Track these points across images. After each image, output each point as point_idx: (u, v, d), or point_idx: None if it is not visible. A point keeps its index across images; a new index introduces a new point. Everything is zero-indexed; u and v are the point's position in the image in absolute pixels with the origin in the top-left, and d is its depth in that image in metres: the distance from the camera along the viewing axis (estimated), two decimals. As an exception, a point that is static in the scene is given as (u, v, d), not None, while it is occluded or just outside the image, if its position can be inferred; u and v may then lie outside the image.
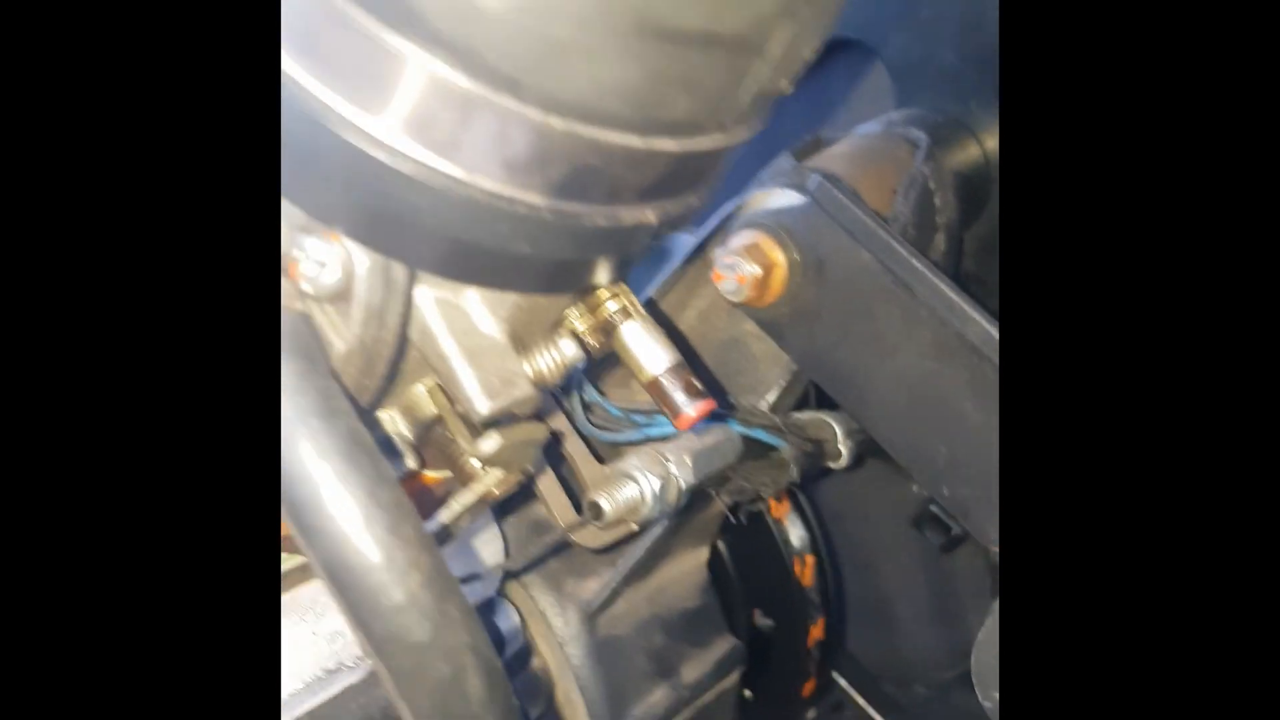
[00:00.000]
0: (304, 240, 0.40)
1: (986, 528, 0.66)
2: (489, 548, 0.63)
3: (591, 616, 0.71)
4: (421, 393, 0.48)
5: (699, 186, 0.41)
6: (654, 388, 0.50)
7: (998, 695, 0.61)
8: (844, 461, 0.76)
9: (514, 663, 0.68)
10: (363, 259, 0.40)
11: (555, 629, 0.70)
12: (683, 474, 0.62)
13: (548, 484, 0.62)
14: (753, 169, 0.75)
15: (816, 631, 0.84)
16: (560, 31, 0.31)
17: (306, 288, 0.40)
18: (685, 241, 0.74)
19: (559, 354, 0.46)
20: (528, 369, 0.45)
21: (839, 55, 0.87)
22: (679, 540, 0.74)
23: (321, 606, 0.62)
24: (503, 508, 0.72)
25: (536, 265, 0.39)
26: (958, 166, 0.78)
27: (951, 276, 0.80)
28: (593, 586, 0.72)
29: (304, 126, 0.35)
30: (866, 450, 0.77)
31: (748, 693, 0.85)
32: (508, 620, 0.68)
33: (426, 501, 0.49)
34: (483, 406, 0.42)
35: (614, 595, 0.72)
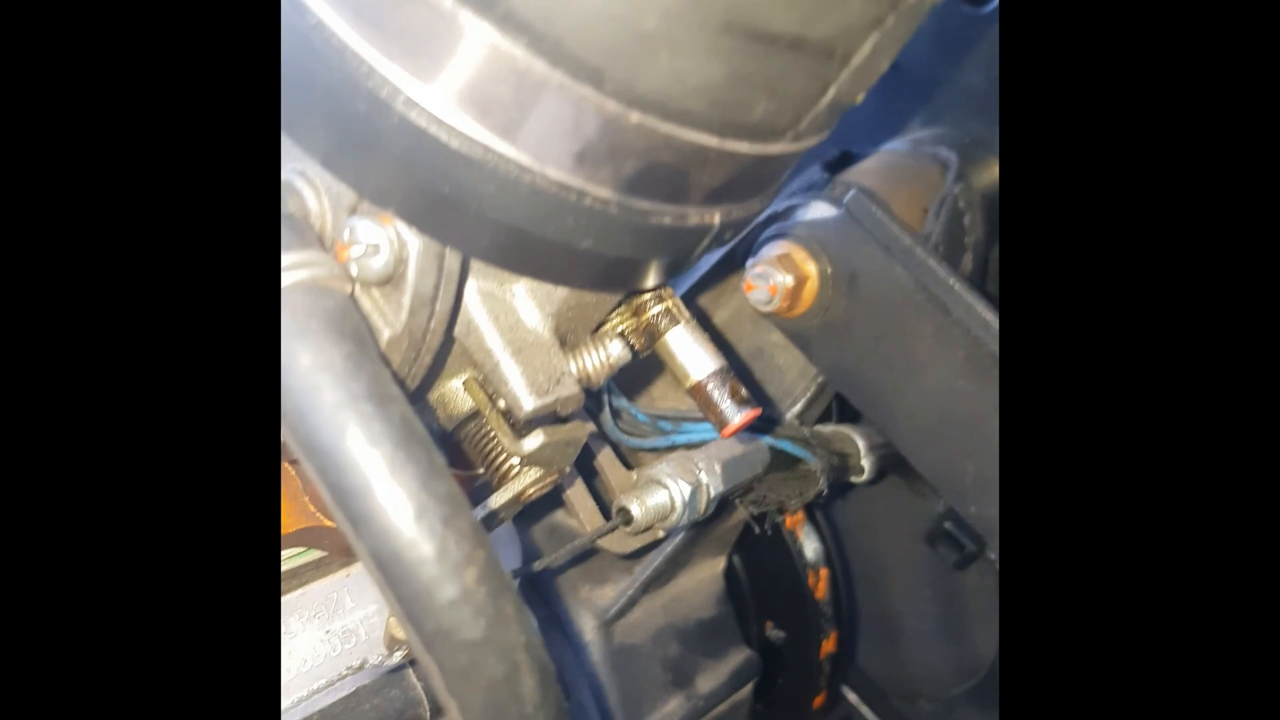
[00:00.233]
0: (354, 222, 0.39)
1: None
2: (507, 551, 0.62)
3: (608, 624, 0.71)
4: (457, 387, 0.47)
5: (763, 192, 0.41)
6: (699, 393, 0.50)
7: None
8: (867, 476, 0.76)
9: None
10: (415, 244, 0.39)
11: (570, 635, 0.70)
12: (712, 482, 0.62)
13: (575, 488, 0.62)
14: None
15: (829, 645, 0.84)
16: (649, 24, 0.30)
17: (355, 271, 0.39)
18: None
19: (605, 353, 0.46)
20: (573, 367, 0.45)
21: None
22: (698, 549, 0.74)
23: (334, 605, 0.61)
24: (519, 512, 0.71)
25: (596, 261, 0.38)
26: (985, 187, 0.79)
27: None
28: (609, 594, 0.72)
29: (363, 101, 0.34)
30: (888, 466, 0.77)
31: (757, 705, 0.84)
32: (528, 624, 0.67)
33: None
34: (528, 403, 0.42)
35: (631, 603, 0.71)
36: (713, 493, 0.61)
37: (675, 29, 0.31)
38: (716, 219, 0.39)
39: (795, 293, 0.67)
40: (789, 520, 0.84)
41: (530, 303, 0.43)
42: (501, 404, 0.44)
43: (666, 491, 0.60)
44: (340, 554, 0.59)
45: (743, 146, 0.36)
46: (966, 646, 0.93)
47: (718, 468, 0.62)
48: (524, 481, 0.48)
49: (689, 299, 0.73)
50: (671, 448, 0.66)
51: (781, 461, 0.69)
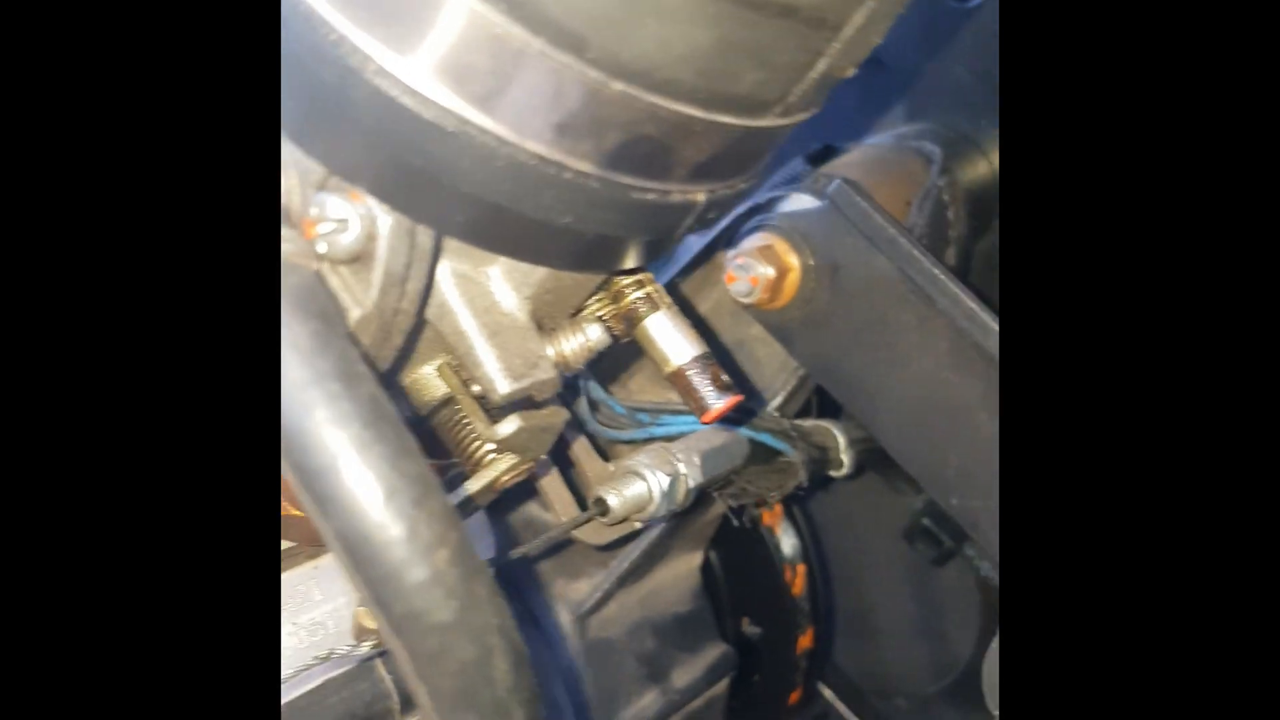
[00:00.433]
0: (323, 198, 0.38)
1: (995, 540, 0.65)
2: (478, 544, 0.61)
3: (582, 618, 0.69)
4: (431, 372, 0.46)
5: (750, 170, 0.40)
6: (679, 379, 0.49)
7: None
8: (846, 470, 0.75)
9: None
10: (385, 220, 0.38)
11: (545, 630, 0.68)
12: (691, 473, 0.61)
13: (549, 478, 0.61)
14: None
15: (805, 641, 0.83)
16: (634, -11, 0.30)
17: (322, 248, 0.38)
18: (691, 242, 0.73)
19: (584, 337, 0.45)
20: (550, 351, 0.44)
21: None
22: (674, 543, 0.73)
23: (302, 597, 0.60)
24: (491, 504, 0.70)
25: (575, 239, 0.37)
26: (968, 182, 0.78)
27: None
28: (584, 588, 0.71)
29: (332, 71, 0.33)
30: (868, 461, 0.77)
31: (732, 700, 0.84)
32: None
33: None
34: (503, 387, 0.41)
35: (606, 597, 0.70)
36: (691, 484, 0.61)
37: (661, -7, 0.30)
38: (701, 196, 0.38)
39: (777, 284, 0.66)
40: (766, 516, 0.84)
41: (506, 285, 0.42)
42: (476, 388, 0.43)
43: (644, 482, 0.59)
44: (308, 544, 0.57)
45: (729, 119, 0.35)
46: (943, 644, 0.93)
47: (696, 459, 0.61)
48: (499, 468, 0.46)
49: (669, 291, 0.72)
50: (650, 440, 0.65)
51: (761, 454, 0.69)
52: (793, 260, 0.66)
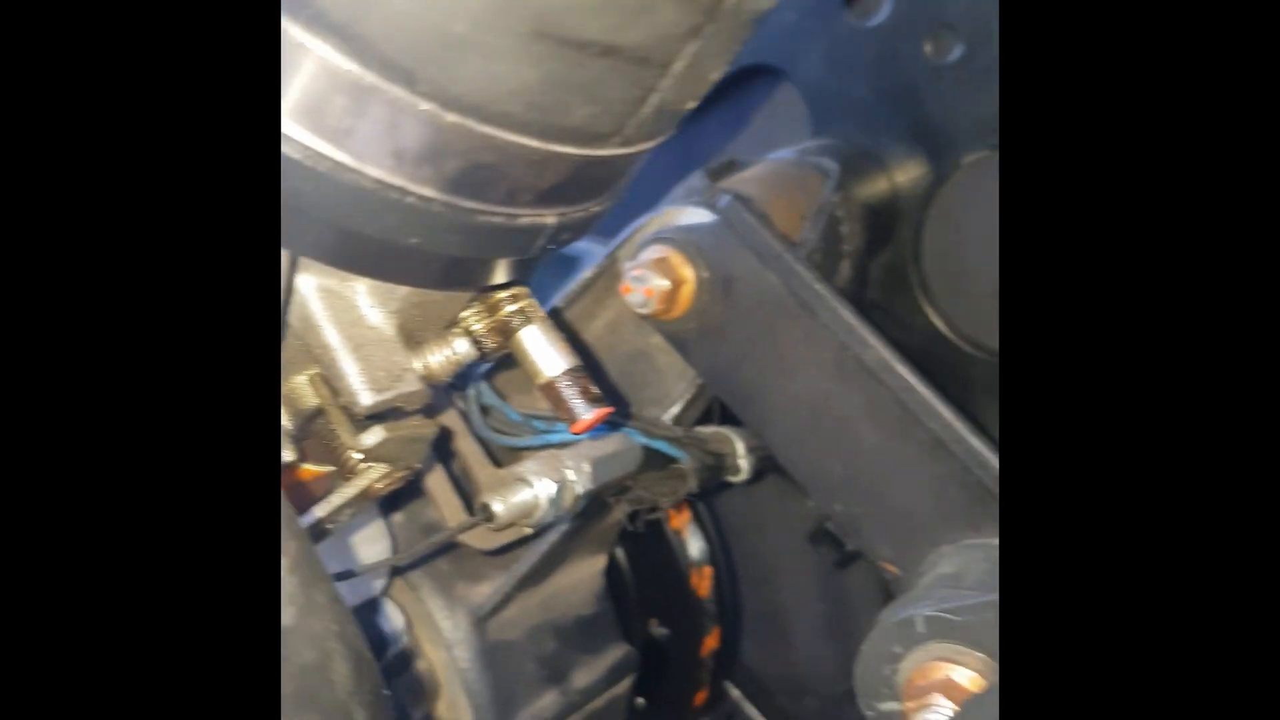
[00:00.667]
0: None
1: (876, 545, 0.68)
2: (375, 546, 0.62)
3: (481, 620, 0.71)
4: (302, 383, 0.47)
5: (600, 194, 0.42)
6: (550, 391, 0.50)
7: (880, 705, 0.63)
8: (743, 476, 0.77)
9: (398, 663, 0.67)
10: None
11: (443, 631, 0.70)
12: (580, 480, 0.63)
13: (438, 484, 0.62)
14: (668, 186, 0.77)
15: (711, 641, 0.85)
16: (457, 27, 0.31)
17: None
18: (594, 252, 0.75)
19: (451, 351, 0.46)
20: (418, 365, 0.45)
21: (759, 81, 0.89)
22: (575, 547, 0.75)
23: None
24: (395, 507, 0.71)
25: (428, 259, 0.39)
26: (866, 198, 0.81)
27: (855, 303, 0.83)
28: (484, 591, 0.72)
29: None
30: (766, 466, 0.79)
31: (640, 700, 0.85)
32: (392, 621, 0.67)
33: (304, 496, 0.48)
34: (366, 399, 0.42)
35: (506, 600, 0.72)
36: (580, 490, 0.62)
37: (484, 34, 0.32)
38: (550, 219, 0.40)
39: (672, 296, 0.68)
40: (674, 520, 0.85)
41: (371, 300, 0.43)
42: (342, 399, 0.44)
43: (531, 489, 0.60)
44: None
45: (568, 149, 0.36)
46: (850, 644, 0.95)
47: (586, 466, 0.63)
48: (370, 477, 0.48)
49: (569, 303, 0.74)
50: (545, 447, 0.66)
51: (655, 461, 0.70)
52: (687, 273, 0.68)
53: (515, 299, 0.50)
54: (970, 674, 0.57)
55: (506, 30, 0.32)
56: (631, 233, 0.72)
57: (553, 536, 0.72)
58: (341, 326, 0.42)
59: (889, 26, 0.80)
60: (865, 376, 0.64)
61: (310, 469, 0.50)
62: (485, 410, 0.64)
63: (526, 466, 0.62)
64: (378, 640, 0.65)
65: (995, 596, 0.59)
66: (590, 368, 0.75)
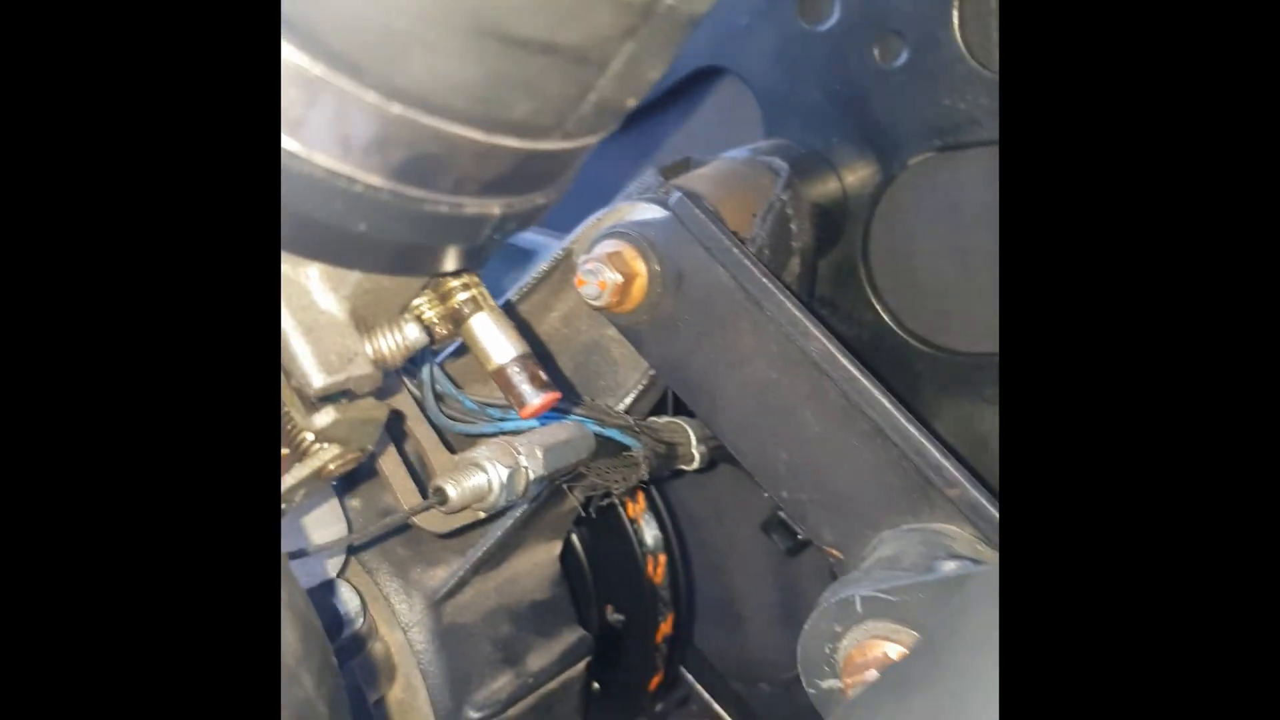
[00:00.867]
0: None
1: (820, 529, 0.70)
2: (331, 529, 0.64)
3: (437, 603, 0.72)
4: (259, 366, 0.49)
5: (545, 186, 0.44)
6: (500, 377, 0.52)
7: (821, 683, 0.65)
8: (697, 464, 0.79)
9: (353, 645, 0.69)
10: None
11: (399, 614, 0.71)
12: (532, 465, 0.64)
13: (392, 467, 0.63)
14: (624, 183, 0.79)
15: (666, 627, 0.88)
16: (399, 23, 0.33)
17: None
18: (550, 246, 0.77)
19: (402, 337, 0.48)
20: (368, 349, 0.47)
21: (714, 83, 0.91)
22: (531, 533, 0.76)
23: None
24: (352, 493, 0.73)
25: (376, 245, 0.40)
26: (816, 197, 0.84)
27: (805, 298, 0.85)
28: (440, 575, 0.73)
29: None
30: (719, 456, 0.81)
31: (596, 685, 0.87)
32: (348, 603, 0.68)
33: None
34: (317, 380, 0.43)
35: (461, 584, 0.73)
36: (532, 475, 0.64)
37: (427, 29, 0.33)
38: (496, 210, 0.42)
39: (625, 289, 0.70)
40: (631, 509, 0.88)
41: (323, 285, 0.45)
42: (294, 381, 0.46)
43: (484, 474, 0.62)
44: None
45: (511, 142, 0.38)
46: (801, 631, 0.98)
47: (539, 452, 0.65)
48: (322, 458, 0.49)
49: (524, 295, 0.76)
50: (500, 434, 0.68)
51: (609, 448, 0.72)
52: (639, 266, 0.70)
53: (466, 287, 0.52)
54: (904, 651, 0.60)
55: (448, 26, 0.33)
56: (586, 227, 0.74)
57: (508, 522, 0.74)
58: (294, 310, 0.44)
59: (838, 31, 0.82)
60: (809, 367, 0.67)
61: (266, 451, 0.51)
62: (440, 398, 0.66)
63: (480, 451, 0.63)
64: (333, 622, 0.67)
65: (929, 577, 0.62)
66: (546, 359, 0.77)
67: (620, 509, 0.86)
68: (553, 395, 0.52)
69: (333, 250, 0.41)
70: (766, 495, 0.80)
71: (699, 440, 0.79)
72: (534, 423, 0.69)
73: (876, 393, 0.66)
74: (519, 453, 0.64)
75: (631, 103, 0.41)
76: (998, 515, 0.65)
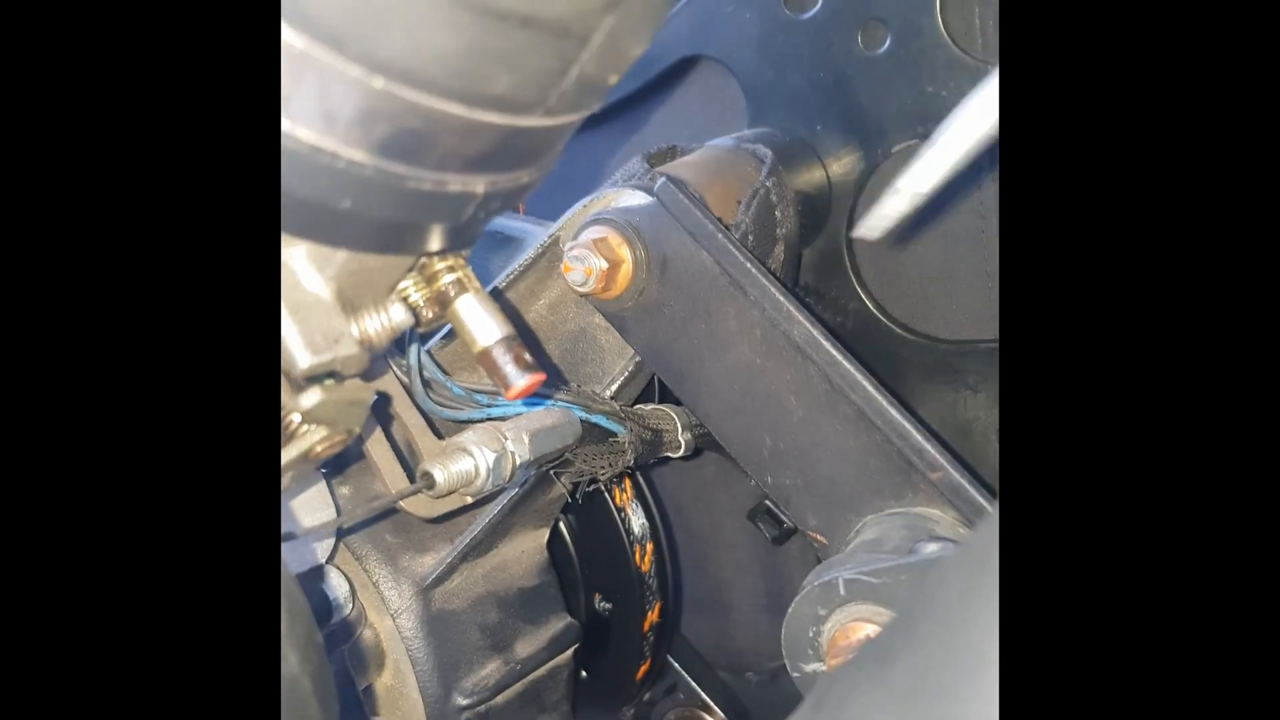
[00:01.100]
0: None
1: (804, 514, 0.71)
2: (319, 514, 0.64)
3: (425, 590, 0.72)
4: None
5: (529, 164, 0.44)
6: (485, 359, 0.52)
7: (805, 666, 0.66)
8: (683, 451, 0.80)
9: (343, 632, 0.69)
10: None
11: (388, 600, 0.71)
12: (519, 450, 0.65)
13: (380, 452, 0.64)
14: (610, 172, 0.79)
15: (653, 616, 0.88)
16: (382, -3, 0.33)
17: None
18: (537, 234, 0.77)
19: (387, 318, 0.48)
20: (354, 330, 0.47)
21: (699, 72, 0.92)
22: (519, 520, 0.77)
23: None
24: (342, 481, 0.73)
25: (360, 223, 0.41)
26: (801, 185, 0.84)
27: (789, 285, 0.86)
28: (429, 561, 0.74)
29: None
30: (706, 444, 0.82)
31: (583, 673, 0.88)
32: (337, 589, 0.68)
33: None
34: (303, 360, 0.44)
35: (450, 570, 0.73)
36: (519, 461, 0.64)
37: (408, 1, 0.34)
38: (480, 188, 0.42)
39: (610, 276, 0.71)
40: (618, 497, 0.88)
41: (310, 265, 0.45)
42: (281, 362, 0.46)
43: (471, 458, 0.62)
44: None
45: (493, 118, 0.39)
46: (789, 620, 0.99)
47: (525, 438, 0.65)
48: (310, 440, 0.49)
49: (512, 282, 0.76)
50: (487, 420, 0.68)
51: (595, 435, 0.73)
52: (625, 253, 0.71)
53: (452, 269, 0.52)
54: (887, 631, 0.60)
55: None
56: (572, 215, 0.75)
57: (495, 508, 0.74)
58: (281, 290, 0.44)
59: (822, 18, 0.83)
60: (793, 352, 0.67)
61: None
62: (427, 384, 0.66)
63: (467, 436, 0.64)
64: (322, 607, 0.67)
65: (910, 559, 0.62)
66: (533, 347, 0.77)
67: (608, 497, 0.86)
68: (538, 376, 0.52)
69: (317, 228, 0.41)
70: (753, 483, 0.81)
71: (685, 427, 0.79)
72: (521, 409, 0.69)
73: (860, 377, 0.66)
74: (506, 438, 0.64)
75: (613, 79, 0.42)
76: (980, 499, 0.65)
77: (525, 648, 0.77)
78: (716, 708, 0.96)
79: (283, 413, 0.49)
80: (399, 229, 0.43)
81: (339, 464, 0.73)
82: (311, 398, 0.47)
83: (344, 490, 0.72)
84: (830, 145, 0.85)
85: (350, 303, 0.48)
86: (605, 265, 0.70)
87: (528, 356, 0.53)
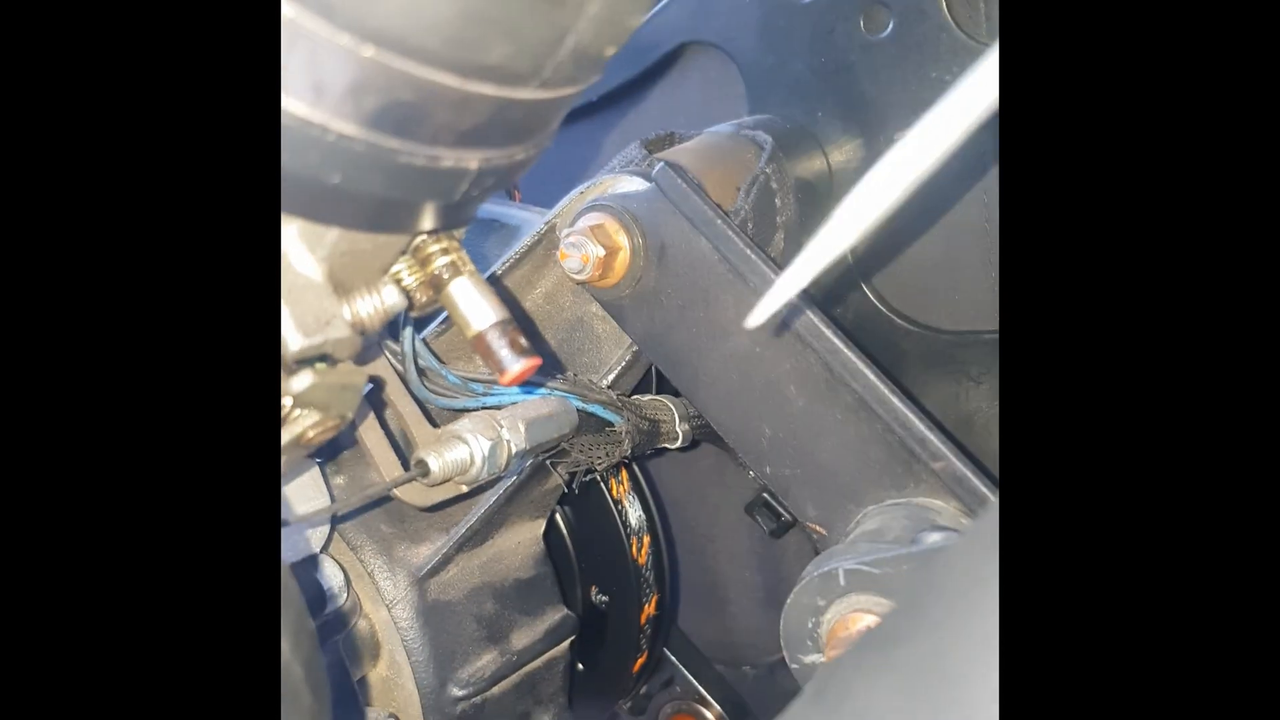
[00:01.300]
0: None
1: (804, 505, 0.70)
2: (313, 501, 0.63)
3: (421, 580, 0.72)
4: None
5: (524, 139, 0.43)
6: (480, 343, 0.51)
7: (804, 658, 0.65)
8: (681, 442, 0.79)
9: (337, 622, 0.68)
10: None
11: (383, 591, 0.70)
12: (514, 439, 0.64)
13: (374, 440, 0.63)
14: (608, 160, 0.78)
15: (649, 608, 0.87)
16: (373, -40, 0.32)
17: None
18: (534, 222, 0.76)
19: (380, 300, 0.47)
20: (346, 312, 0.46)
21: (699, 58, 0.91)
22: (514, 510, 0.76)
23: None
24: (338, 471, 0.72)
25: (351, 199, 0.40)
26: (801, 173, 0.83)
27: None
28: (425, 552, 0.73)
29: None
30: (704, 436, 0.81)
31: (580, 665, 0.87)
32: (331, 578, 0.67)
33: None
34: (294, 342, 0.43)
35: (445, 561, 0.73)
36: (514, 449, 0.63)
37: (399, -33, 0.33)
38: (474, 164, 0.41)
39: (607, 263, 0.70)
40: (615, 489, 0.87)
41: (301, 245, 0.44)
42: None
43: (466, 446, 0.61)
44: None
45: (488, 89, 0.38)
46: (787, 613, 0.98)
47: (521, 426, 0.64)
48: (301, 424, 0.48)
49: (508, 270, 0.75)
50: (483, 409, 0.67)
51: (592, 425, 0.72)
52: (622, 240, 0.70)
53: (446, 252, 0.51)
54: (888, 621, 0.59)
55: (421, -35, 0.33)
56: (569, 201, 0.74)
57: (491, 498, 0.73)
58: (269, 270, 0.43)
59: (824, 2, 0.82)
60: (793, 340, 0.66)
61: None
62: (422, 372, 0.65)
63: (462, 424, 0.63)
64: (316, 597, 0.66)
65: (913, 549, 0.62)
66: (530, 336, 0.76)
67: (605, 489, 0.85)
68: (534, 361, 0.51)
69: (308, 204, 0.40)
70: (751, 476, 0.80)
71: (683, 418, 0.79)
72: (517, 398, 0.68)
73: (860, 365, 0.65)
74: (501, 426, 0.63)
75: (610, 50, 0.41)
76: (984, 488, 0.64)
77: (521, 639, 0.76)
78: (713, 701, 0.95)
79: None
80: (391, 206, 0.42)
81: (334, 453, 0.72)
82: (303, 381, 0.46)
83: (339, 480, 0.71)
84: (831, 132, 0.84)
85: (342, 284, 0.47)
86: (602, 252, 0.69)
87: (523, 341, 0.52)
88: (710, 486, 0.97)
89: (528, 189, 0.92)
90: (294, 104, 0.36)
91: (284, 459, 0.51)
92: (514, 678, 0.75)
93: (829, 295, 0.90)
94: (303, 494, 0.63)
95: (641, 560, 0.87)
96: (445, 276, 0.51)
